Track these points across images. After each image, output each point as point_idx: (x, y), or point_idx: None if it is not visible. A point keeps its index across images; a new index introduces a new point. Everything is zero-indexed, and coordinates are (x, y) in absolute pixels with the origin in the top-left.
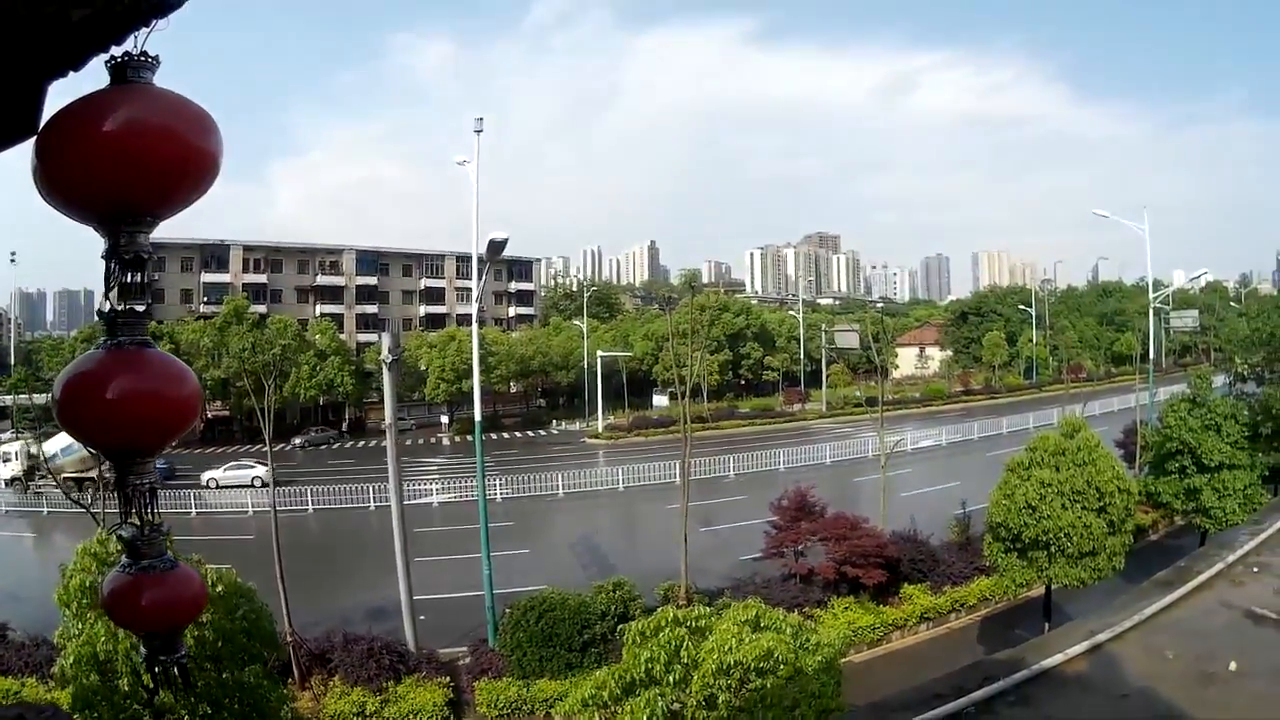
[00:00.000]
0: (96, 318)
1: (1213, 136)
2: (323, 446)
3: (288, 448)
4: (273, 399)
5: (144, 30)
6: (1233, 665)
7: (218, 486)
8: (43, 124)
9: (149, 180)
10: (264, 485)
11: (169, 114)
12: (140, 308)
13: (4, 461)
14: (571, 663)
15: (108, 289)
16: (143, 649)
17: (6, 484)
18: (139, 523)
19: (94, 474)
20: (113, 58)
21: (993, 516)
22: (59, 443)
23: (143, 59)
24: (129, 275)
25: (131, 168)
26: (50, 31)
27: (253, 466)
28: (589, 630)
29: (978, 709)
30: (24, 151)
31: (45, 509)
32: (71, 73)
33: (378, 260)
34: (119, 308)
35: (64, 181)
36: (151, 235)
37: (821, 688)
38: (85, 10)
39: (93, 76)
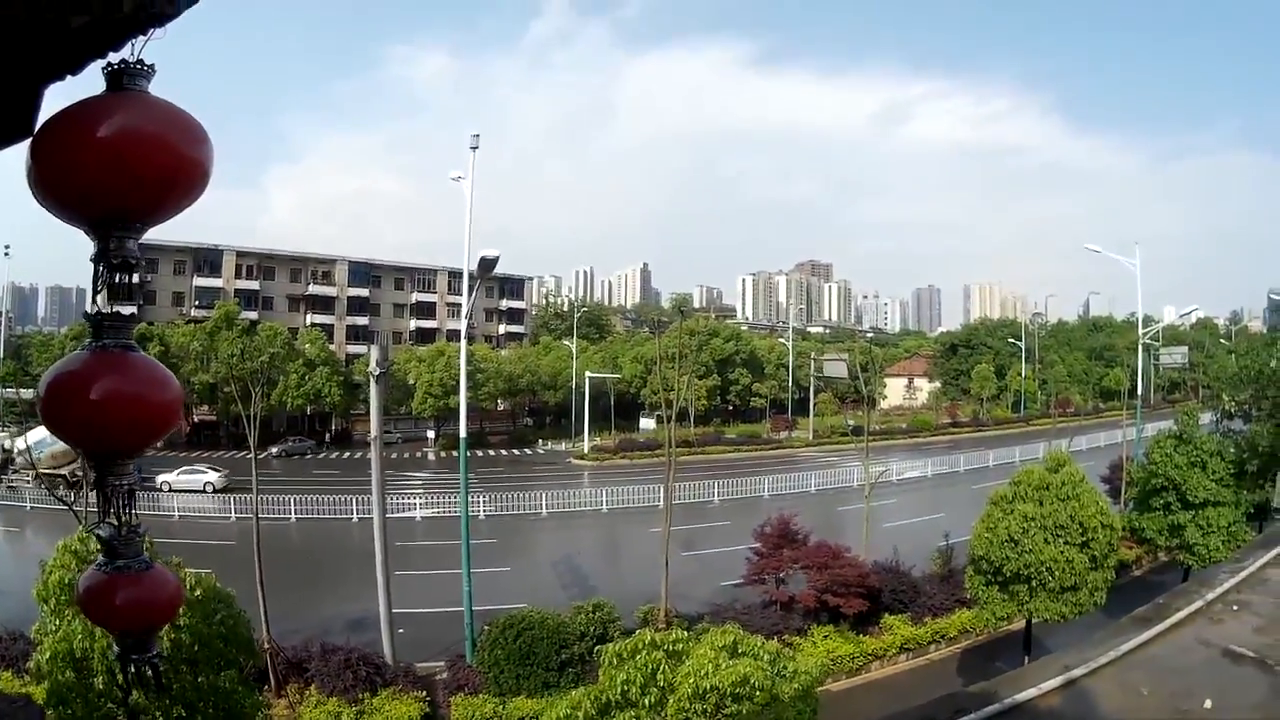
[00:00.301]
0: (83, 319)
1: (1207, 169)
2: (305, 456)
3: (264, 455)
4: (259, 406)
5: (141, 38)
6: (1208, 703)
7: (170, 490)
8: (39, 126)
9: (140, 187)
10: (215, 491)
11: (162, 123)
12: (126, 311)
13: None
14: (549, 682)
15: (95, 292)
16: (116, 647)
17: None
18: (117, 522)
19: (67, 471)
20: (110, 64)
21: (975, 549)
22: (34, 437)
23: (139, 67)
24: (116, 279)
25: (123, 174)
26: (49, 37)
27: (204, 472)
28: (567, 650)
29: None
30: (20, 148)
31: (28, 504)
32: (70, 76)
33: (370, 272)
34: (105, 310)
35: (57, 185)
36: (141, 239)
37: (798, 715)
38: (84, 18)
39: (89, 81)
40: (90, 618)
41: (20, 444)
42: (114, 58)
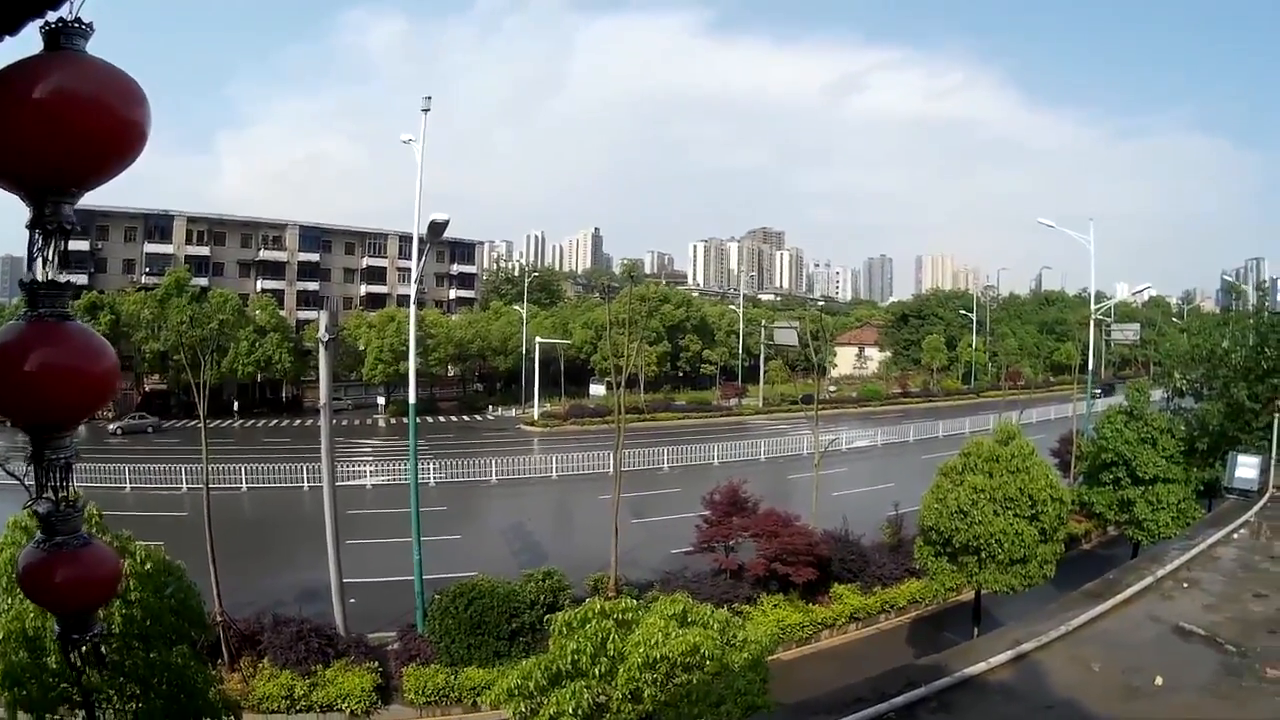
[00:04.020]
0: (19, 288)
1: (1162, 151)
2: (147, 433)
3: (103, 431)
4: (208, 374)
5: None
6: (1159, 680)
7: None
8: None
9: (76, 150)
10: None
11: (98, 83)
12: (62, 279)
13: None
14: (500, 651)
15: (30, 259)
16: (56, 626)
17: None
18: (54, 497)
19: None
20: (47, 23)
21: (924, 520)
22: None
23: (76, 25)
24: (52, 246)
25: (59, 137)
26: None
27: None
28: (517, 619)
29: (899, 714)
30: None
31: None
32: (8, 38)
33: (320, 237)
34: (40, 279)
35: None
36: (92, 207)
37: (748, 685)
38: None
39: (28, 44)
40: (30, 597)
41: None
42: (51, 16)
